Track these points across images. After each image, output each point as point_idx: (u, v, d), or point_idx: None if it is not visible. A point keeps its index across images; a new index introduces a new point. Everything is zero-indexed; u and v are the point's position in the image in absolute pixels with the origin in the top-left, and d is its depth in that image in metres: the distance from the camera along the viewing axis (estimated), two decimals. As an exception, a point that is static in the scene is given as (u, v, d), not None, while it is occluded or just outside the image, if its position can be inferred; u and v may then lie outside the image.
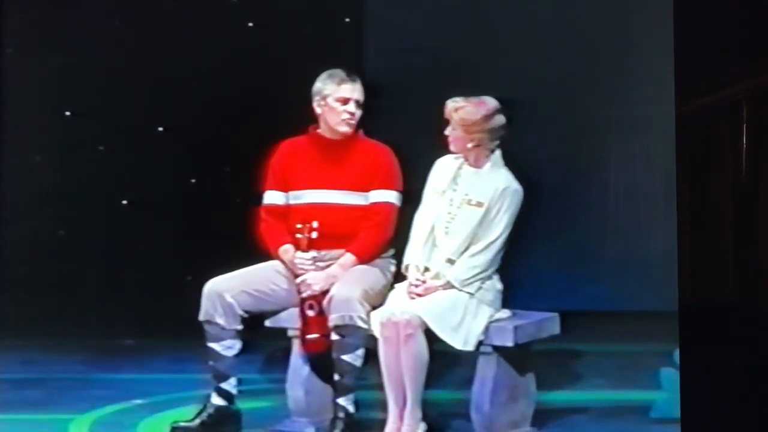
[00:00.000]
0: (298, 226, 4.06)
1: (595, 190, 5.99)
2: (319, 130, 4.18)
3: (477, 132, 3.96)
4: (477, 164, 4.01)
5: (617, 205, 6.04)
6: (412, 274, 4.00)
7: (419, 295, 3.96)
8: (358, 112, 4.13)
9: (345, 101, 4.10)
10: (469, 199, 3.98)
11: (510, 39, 5.76)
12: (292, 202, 4.17)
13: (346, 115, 4.11)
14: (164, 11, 5.76)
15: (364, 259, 4.09)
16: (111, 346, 5.49)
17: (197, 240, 5.70)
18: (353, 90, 4.12)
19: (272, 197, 4.19)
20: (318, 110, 4.15)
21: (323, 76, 4.15)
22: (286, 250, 4.11)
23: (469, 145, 3.99)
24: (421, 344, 3.87)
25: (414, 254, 4.03)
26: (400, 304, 3.94)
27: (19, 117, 5.80)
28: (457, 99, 4.00)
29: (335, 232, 4.08)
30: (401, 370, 3.88)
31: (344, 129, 4.13)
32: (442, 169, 4.07)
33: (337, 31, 5.76)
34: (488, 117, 3.96)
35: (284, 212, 4.18)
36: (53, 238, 5.86)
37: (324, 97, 4.13)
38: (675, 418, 4.15)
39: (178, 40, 5.77)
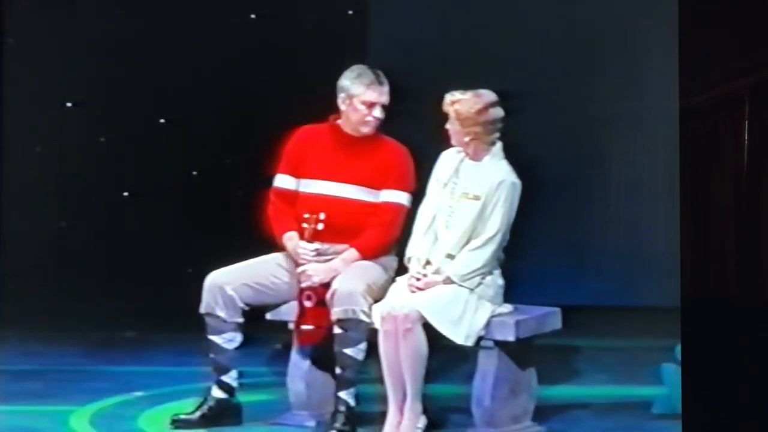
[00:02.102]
0: (305, 215, 4.04)
1: (597, 185, 5.97)
2: (339, 122, 4.14)
3: (472, 125, 3.94)
4: (476, 157, 4.00)
5: (620, 200, 6.03)
6: (413, 267, 4.00)
7: (419, 289, 3.95)
8: (383, 115, 4.08)
9: (371, 105, 4.06)
10: (466, 192, 3.97)
11: (514, 32, 5.75)
12: (302, 189, 4.14)
13: (370, 119, 4.07)
14: (166, 2, 5.75)
15: (367, 256, 4.07)
16: (111, 339, 5.48)
17: (198, 232, 5.69)
18: (381, 94, 4.06)
19: (283, 181, 4.15)
20: (342, 107, 4.10)
21: (352, 74, 4.09)
22: (291, 237, 4.09)
23: (466, 139, 3.97)
24: (420, 338, 3.87)
25: (416, 247, 4.02)
26: (400, 297, 3.93)
27: (19, 108, 5.79)
28: (455, 93, 3.98)
29: (342, 225, 4.05)
30: (401, 363, 3.87)
31: (366, 130, 4.10)
32: (446, 161, 4.06)
33: (340, 23, 5.74)
34: (483, 110, 3.94)
35: (293, 198, 4.14)
36: (54, 230, 5.86)
37: (350, 97, 4.07)
38: (676, 414, 4.14)
39: (181, 32, 5.76)
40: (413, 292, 3.95)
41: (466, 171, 4.00)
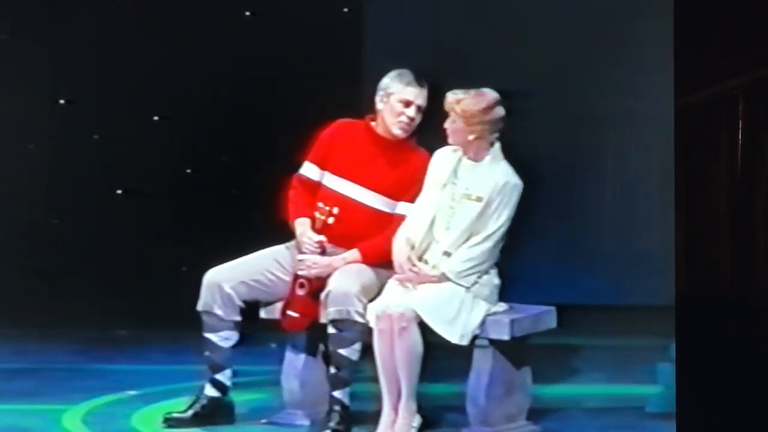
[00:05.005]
0: (320, 204, 4.04)
1: (592, 184, 5.98)
2: (373, 124, 4.13)
3: (477, 124, 3.94)
4: (476, 157, 3.99)
5: (615, 199, 6.03)
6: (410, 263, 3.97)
7: (412, 282, 3.93)
8: (418, 118, 4.07)
9: (407, 104, 4.05)
10: (468, 194, 3.96)
11: (510, 31, 5.74)
12: (325, 182, 4.13)
13: (403, 118, 4.05)
14: (161, -1, 5.74)
15: (369, 260, 4.05)
16: (105, 337, 5.47)
17: (193, 230, 5.68)
18: (418, 95, 4.05)
19: (309, 170, 4.14)
20: (379, 105, 4.09)
21: (393, 73, 4.09)
22: (302, 222, 4.08)
23: (470, 137, 3.96)
24: (415, 337, 3.86)
25: (415, 239, 3.98)
26: (395, 296, 3.92)
27: (12, 105, 5.77)
28: (457, 91, 3.98)
29: (352, 229, 4.05)
30: (396, 362, 3.86)
31: (398, 132, 4.08)
32: (442, 161, 4.04)
33: (335, 20, 5.73)
34: (489, 109, 3.95)
35: (315, 188, 4.14)
36: (47, 227, 5.83)
37: (388, 95, 4.07)
38: (670, 413, 4.14)
39: (175, 29, 5.74)
40: (406, 287, 3.93)
41: (466, 171, 3.99)
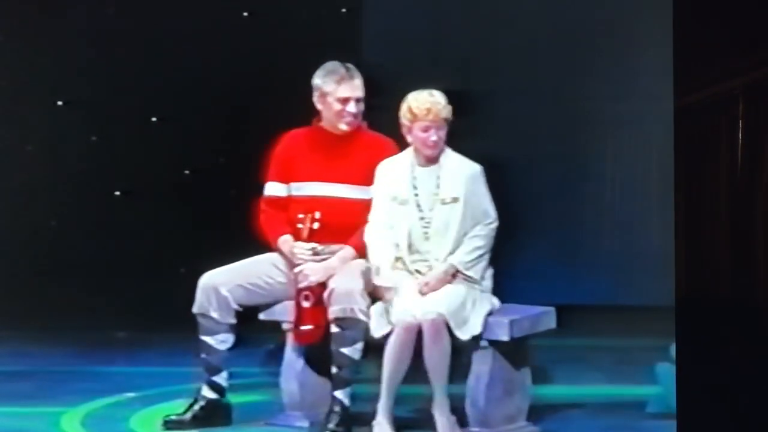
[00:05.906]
0: (300, 216, 4.03)
1: (592, 185, 5.98)
2: (321, 123, 4.14)
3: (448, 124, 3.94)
4: (433, 161, 3.95)
5: (614, 199, 6.03)
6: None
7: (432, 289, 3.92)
8: (359, 109, 4.07)
9: (345, 101, 4.04)
10: (442, 198, 3.94)
11: (508, 30, 5.74)
12: (294, 193, 4.13)
13: (345, 114, 4.05)
14: (159, 0, 5.73)
15: (363, 253, 4.05)
16: (103, 339, 5.46)
17: (191, 232, 5.67)
18: (353, 88, 4.05)
19: (273, 189, 4.15)
20: (318, 105, 4.10)
21: (322, 71, 4.08)
22: (286, 240, 4.08)
23: (444, 138, 3.94)
24: (448, 340, 3.86)
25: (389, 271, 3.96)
26: (418, 302, 3.88)
27: (10, 107, 5.77)
28: (430, 93, 3.90)
29: (336, 225, 4.05)
30: (406, 367, 3.86)
31: (344, 126, 4.09)
32: (395, 176, 3.98)
33: (333, 21, 5.73)
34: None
35: (285, 204, 4.14)
36: (45, 229, 5.83)
37: (323, 95, 4.06)
38: (671, 413, 4.13)
39: (173, 30, 5.74)
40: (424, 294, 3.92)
41: (425, 177, 3.96)
